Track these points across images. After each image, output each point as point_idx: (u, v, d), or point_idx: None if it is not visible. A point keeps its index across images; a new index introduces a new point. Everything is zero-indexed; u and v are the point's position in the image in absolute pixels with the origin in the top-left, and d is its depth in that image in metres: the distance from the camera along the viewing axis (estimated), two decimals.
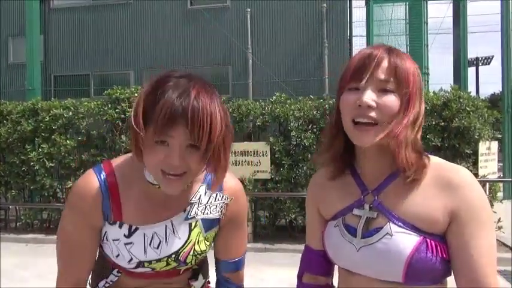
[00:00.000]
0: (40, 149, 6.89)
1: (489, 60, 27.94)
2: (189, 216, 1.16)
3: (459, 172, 0.99)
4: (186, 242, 1.15)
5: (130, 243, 1.12)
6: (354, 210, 1.05)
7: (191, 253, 1.16)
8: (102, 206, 1.10)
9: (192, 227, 1.16)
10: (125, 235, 1.11)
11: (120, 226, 1.12)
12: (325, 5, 10.95)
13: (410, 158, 0.98)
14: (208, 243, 1.20)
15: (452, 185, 0.97)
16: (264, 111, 6.42)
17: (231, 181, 1.21)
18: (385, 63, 0.99)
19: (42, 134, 6.96)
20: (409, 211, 0.98)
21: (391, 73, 0.99)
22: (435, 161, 1.03)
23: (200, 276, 1.25)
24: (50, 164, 6.87)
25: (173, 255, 1.14)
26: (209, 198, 1.18)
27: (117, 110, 6.72)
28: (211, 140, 1.00)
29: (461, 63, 12.25)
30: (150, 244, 1.12)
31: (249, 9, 11.24)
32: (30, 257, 5.76)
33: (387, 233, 0.98)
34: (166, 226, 1.14)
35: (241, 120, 6.46)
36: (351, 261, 1.03)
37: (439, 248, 0.96)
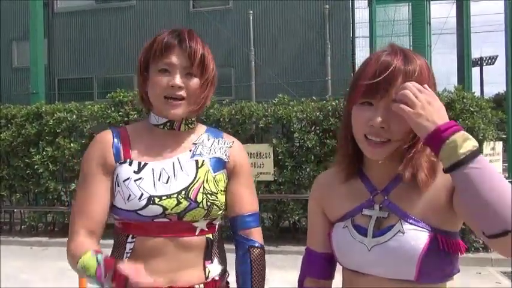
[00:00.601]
0: (44, 152, 6.92)
1: (493, 60, 27.79)
2: (195, 154, 1.26)
3: None
4: (194, 178, 1.21)
5: (140, 178, 1.19)
6: (364, 211, 1.05)
7: (201, 190, 1.20)
8: (113, 146, 1.23)
9: (200, 165, 1.24)
10: (134, 171, 1.20)
11: (130, 164, 1.22)
12: (327, 6, 10.94)
13: (427, 173, 0.99)
14: (219, 188, 1.24)
15: None
16: (266, 113, 6.43)
17: (230, 136, 1.36)
18: (400, 80, 0.97)
19: (46, 138, 7.00)
20: (419, 208, 0.99)
21: None
22: None
23: (216, 260, 1.24)
24: (54, 167, 6.90)
25: (183, 192, 1.19)
26: (212, 143, 1.30)
27: (120, 113, 6.74)
28: (205, 65, 1.21)
29: (465, 63, 12.21)
30: (159, 179, 1.20)
31: (251, 11, 11.24)
32: (34, 260, 5.77)
33: (399, 231, 0.98)
34: (173, 163, 1.23)
35: (244, 122, 6.46)
36: (361, 262, 1.03)
37: (449, 243, 0.97)
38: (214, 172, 1.25)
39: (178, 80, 1.19)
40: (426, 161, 1.00)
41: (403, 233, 0.98)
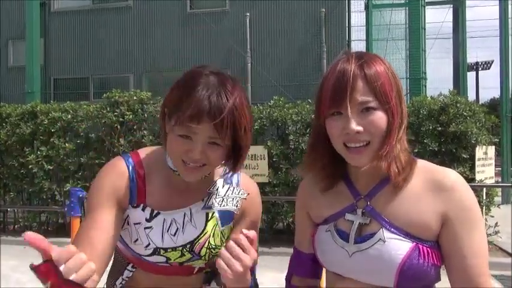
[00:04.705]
0: (39, 152, 6.91)
1: (489, 65, 27.98)
2: (206, 205, 1.19)
3: (449, 175, 1.00)
4: (201, 232, 1.17)
5: (150, 227, 1.14)
6: (346, 215, 1.05)
7: (206, 245, 1.17)
8: (130, 188, 1.13)
9: (209, 218, 1.19)
10: (146, 219, 1.14)
11: (143, 209, 1.15)
12: (323, 9, 10.99)
13: (399, 167, 0.99)
14: (224, 240, 1.21)
15: (443, 187, 0.98)
16: (262, 115, 6.45)
17: (248, 180, 1.27)
18: (360, 83, 0.97)
19: (41, 137, 6.98)
20: (402, 217, 0.99)
21: (370, 91, 0.97)
22: (424, 165, 1.04)
23: (213, 283, 1.25)
24: (49, 167, 6.88)
25: (188, 245, 1.16)
26: (226, 191, 1.22)
27: (115, 113, 6.74)
28: (235, 139, 1.06)
29: (460, 67, 12.29)
30: (167, 230, 1.15)
31: (248, 14, 11.28)
32: (27, 260, 5.74)
33: (380, 239, 0.98)
34: (185, 214, 1.17)
35: None
36: (342, 266, 1.04)
37: (431, 254, 0.97)
38: (222, 226, 1.20)
39: (198, 154, 1.04)
40: (401, 155, 1.00)
41: (384, 242, 0.98)
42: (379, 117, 0.97)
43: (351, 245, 1.02)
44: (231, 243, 0.95)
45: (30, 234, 0.78)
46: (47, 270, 0.77)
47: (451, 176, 1.00)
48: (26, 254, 7.00)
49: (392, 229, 0.98)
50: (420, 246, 0.96)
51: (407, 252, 0.95)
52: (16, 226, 7.43)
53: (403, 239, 0.97)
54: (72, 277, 0.77)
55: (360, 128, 0.97)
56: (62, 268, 0.77)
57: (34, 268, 0.78)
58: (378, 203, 1.03)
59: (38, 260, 0.85)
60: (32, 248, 0.84)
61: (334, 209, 1.08)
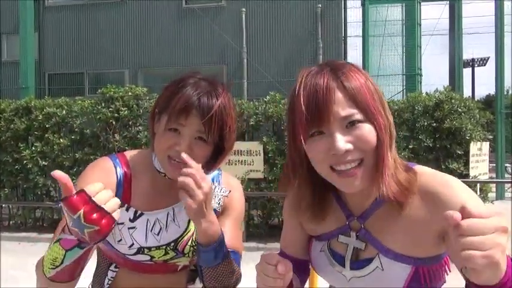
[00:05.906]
0: (33, 148, 6.88)
1: (485, 62, 28.04)
2: None
3: (435, 186, 0.88)
4: (185, 231, 1.19)
5: (134, 227, 1.16)
6: (340, 237, 0.98)
7: (189, 243, 1.19)
8: (117, 187, 1.16)
9: None
10: (130, 219, 1.16)
11: (127, 209, 1.17)
12: (320, 5, 10.98)
13: (401, 189, 0.87)
14: None
15: (436, 202, 0.87)
16: (257, 111, 6.45)
17: (229, 177, 1.30)
18: (340, 95, 0.85)
19: (36, 133, 6.95)
20: (400, 241, 0.91)
21: (353, 104, 0.85)
22: (419, 177, 0.91)
23: (198, 281, 1.26)
24: (43, 163, 6.86)
25: (172, 244, 1.18)
26: None
27: (110, 109, 6.71)
28: (221, 137, 1.12)
29: (456, 64, 12.32)
30: (151, 230, 1.17)
31: (244, 9, 11.25)
32: (22, 256, 5.75)
33: (377, 267, 0.92)
34: (168, 213, 1.19)
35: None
36: (342, 286, 0.99)
37: (432, 272, 0.92)
38: None
39: (184, 147, 1.07)
40: (399, 177, 0.89)
41: (382, 269, 0.91)
42: (368, 131, 0.85)
43: (347, 271, 0.96)
44: (188, 179, 1.00)
45: (57, 172, 0.89)
46: (80, 199, 0.88)
47: (437, 185, 0.88)
48: (21, 251, 6.98)
49: (390, 255, 0.91)
50: (421, 270, 0.90)
51: (408, 279, 0.90)
52: (11, 222, 7.41)
53: (402, 264, 0.90)
54: (102, 206, 0.89)
55: (349, 146, 0.84)
56: (93, 198, 0.89)
57: (64, 199, 0.88)
58: (373, 225, 0.94)
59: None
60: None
61: (326, 227, 1.01)
